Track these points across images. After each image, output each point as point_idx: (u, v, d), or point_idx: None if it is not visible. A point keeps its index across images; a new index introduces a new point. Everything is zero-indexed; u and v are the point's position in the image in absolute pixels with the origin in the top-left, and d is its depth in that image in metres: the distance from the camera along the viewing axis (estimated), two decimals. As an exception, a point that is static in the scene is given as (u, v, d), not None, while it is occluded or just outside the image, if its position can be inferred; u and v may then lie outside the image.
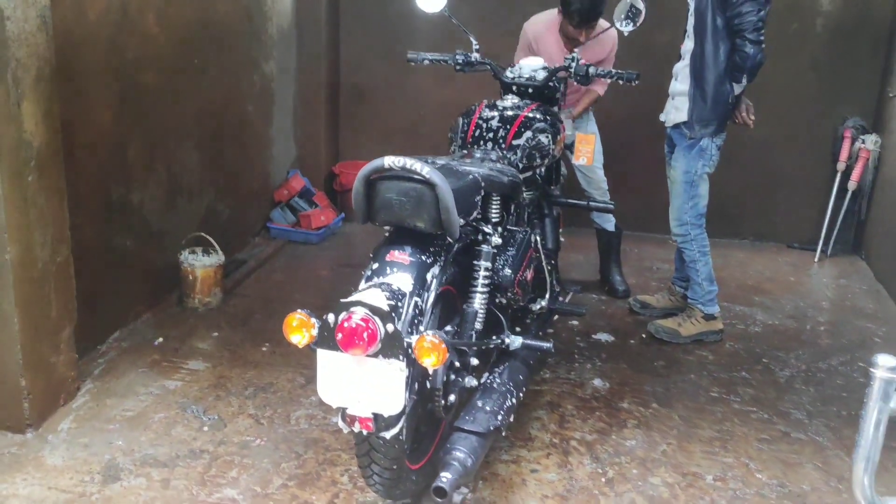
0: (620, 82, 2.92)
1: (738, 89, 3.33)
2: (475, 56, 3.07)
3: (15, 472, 2.43)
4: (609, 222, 4.06)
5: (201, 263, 3.63)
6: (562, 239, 3.55)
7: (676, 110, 3.43)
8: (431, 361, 1.78)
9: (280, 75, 4.74)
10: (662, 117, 3.54)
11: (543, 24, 3.80)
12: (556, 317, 3.20)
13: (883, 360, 1.37)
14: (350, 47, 5.19)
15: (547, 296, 2.92)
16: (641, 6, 2.82)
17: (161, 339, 3.35)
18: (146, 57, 3.34)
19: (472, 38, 3.10)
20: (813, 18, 4.71)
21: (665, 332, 3.53)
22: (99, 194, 3.15)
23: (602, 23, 3.57)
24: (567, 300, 3.21)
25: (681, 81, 3.40)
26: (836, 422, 2.92)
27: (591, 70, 2.92)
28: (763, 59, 3.22)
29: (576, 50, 3.07)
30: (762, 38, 3.21)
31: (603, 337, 3.58)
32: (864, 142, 4.62)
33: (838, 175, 4.71)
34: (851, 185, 4.67)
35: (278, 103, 4.75)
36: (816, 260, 4.78)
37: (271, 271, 4.28)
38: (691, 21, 3.33)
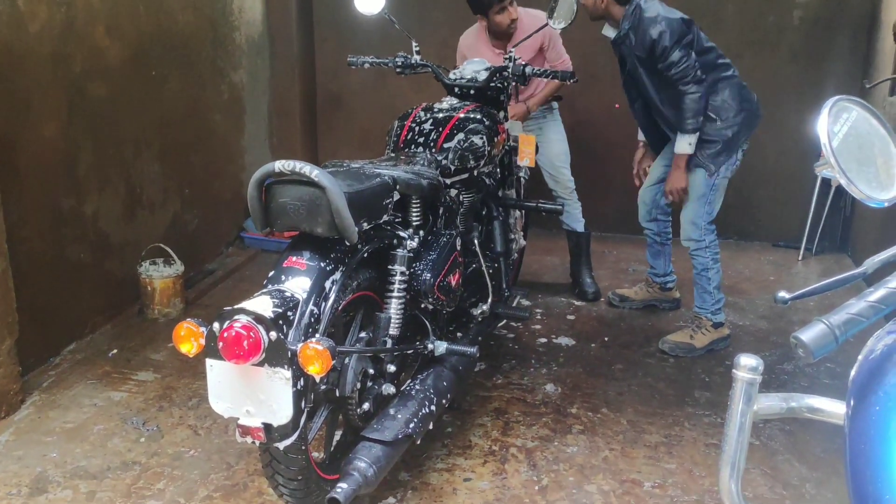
0: (558, 80, 2.86)
1: (686, 145, 3.16)
2: (415, 59, 3.04)
3: (-55, 485, 2.43)
4: (578, 222, 3.99)
5: (160, 274, 3.63)
6: (522, 241, 3.50)
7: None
8: (315, 369, 1.74)
9: (252, 84, 4.74)
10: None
11: (472, 33, 3.79)
12: (502, 321, 3.14)
13: (745, 360, 1.30)
14: (325, 54, 5.18)
15: (489, 300, 2.86)
16: (575, 7, 2.78)
17: (115, 351, 3.35)
18: (96, 69, 3.35)
19: (413, 41, 3.06)
20: (790, 10, 4.60)
21: (680, 348, 3.36)
22: (47, 207, 3.16)
23: (529, 11, 3.56)
24: (514, 304, 3.14)
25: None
26: (791, 425, 2.82)
27: (528, 70, 2.87)
28: (701, 94, 3.08)
29: (511, 49, 3.01)
30: (702, 76, 3.08)
31: (563, 341, 3.51)
32: (845, 135, 4.49)
33: (821, 170, 4.58)
34: (835, 180, 4.52)
35: (250, 112, 4.75)
36: (800, 258, 4.66)
37: (239, 280, 4.28)
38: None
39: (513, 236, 3.28)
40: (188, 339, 1.81)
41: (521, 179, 3.42)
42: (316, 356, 1.73)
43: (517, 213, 3.38)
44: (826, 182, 4.58)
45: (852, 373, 1.09)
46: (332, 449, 2.29)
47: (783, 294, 1.27)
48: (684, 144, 3.14)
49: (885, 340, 1.02)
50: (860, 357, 1.09)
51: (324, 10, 5.10)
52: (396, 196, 2.21)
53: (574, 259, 4.10)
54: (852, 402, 1.04)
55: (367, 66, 3.10)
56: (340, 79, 5.20)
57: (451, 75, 3.02)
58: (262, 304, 1.81)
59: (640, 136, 3.60)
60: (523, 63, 2.90)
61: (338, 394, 2.10)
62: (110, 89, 3.45)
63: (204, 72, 4.22)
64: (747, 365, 1.30)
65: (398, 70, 3.06)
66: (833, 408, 1.28)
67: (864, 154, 1.13)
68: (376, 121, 5.18)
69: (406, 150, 2.69)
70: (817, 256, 4.69)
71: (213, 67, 4.32)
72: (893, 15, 4.07)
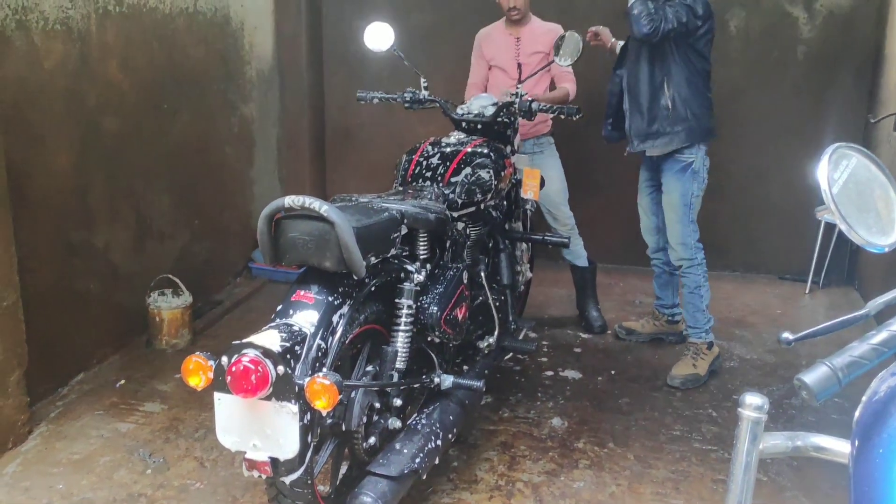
0: (563, 116, 2.90)
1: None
2: (423, 94, 3.09)
3: (-49, 517, 2.44)
4: (580, 258, 4.00)
5: (168, 305, 3.65)
6: (528, 274, 3.52)
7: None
8: (322, 404, 1.75)
9: (261, 117, 4.80)
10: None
11: (490, 27, 3.95)
12: (508, 354, 3.14)
13: (750, 399, 1.30)
14: (334, 88, 5.25)
15: (496, 332, 2.87)
16: (581, 45, 2.83)
17: (123, 381, 3.37)
18: (109, 103, 3.41)
19: (421, 77, 3.11)
20: (794, 46, 4.65)
21: (689, 380, 3.37)
22: (57, 239, 3.20)
23: (546, 25, 3.74)
24: (521, 336, 3.15)
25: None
26: (799, 461, 2.80)
27: (535, 105, 2.91)
28: (643, 28, 3.03)
29: (518, 86, 3.05)
30: (658, 22, 3.03)
31: (570, 374, 3.51)
32: (851, 169, 4.51)
33: (827, 204, 4.60)
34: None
35: (260, 144, 4.81)
36: (807, 291, 4.66)
37: (247, 311, 4.29)
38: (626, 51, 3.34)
39: (519, 268, 3.30)
40: (197, 372, 1.83)
41: (528, 212, 3.45)
42: (323, 391, 1.74)
43: (524, 245, 3.41)
44: (832, 215, 4.58)
45: (856, 414, 1.10)
46: (338, 482, 2.28)
47: (787, 335, 1.28)
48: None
49: (889, 382, 1.03)
50: (864, 398, 1.09)
51: (333, 46, 5.18)
52: (404, 230, 2.23)
53: (580, 292, 4.11)
54: (857, 443, 1.05)
55: (376, 101, 3.15)
56: (349, 112, 5.26)
57: (459, 110, 3.07)
58: (270, 339, 1.83)
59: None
60: (529, 99, 2.94)
61: (344, 428, 2.10)
62: (122, 123, 3.51)
63: (214, 105, 4.28)
64: (752, 404, 1.30)
65: (406, 105, 3.11)
66: (838, 447, 1.28)
67: (863, 200, 1.15)
68: (385, 153, 5.22)
69: (414, 183, 2.73)
70: (824, 289, 4.68)
71: (224, 101, 4.38)
72: (897, 50, 4.12)
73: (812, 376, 0.99)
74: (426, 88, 3.09)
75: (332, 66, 5.23)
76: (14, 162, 2.80)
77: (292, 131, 5.07)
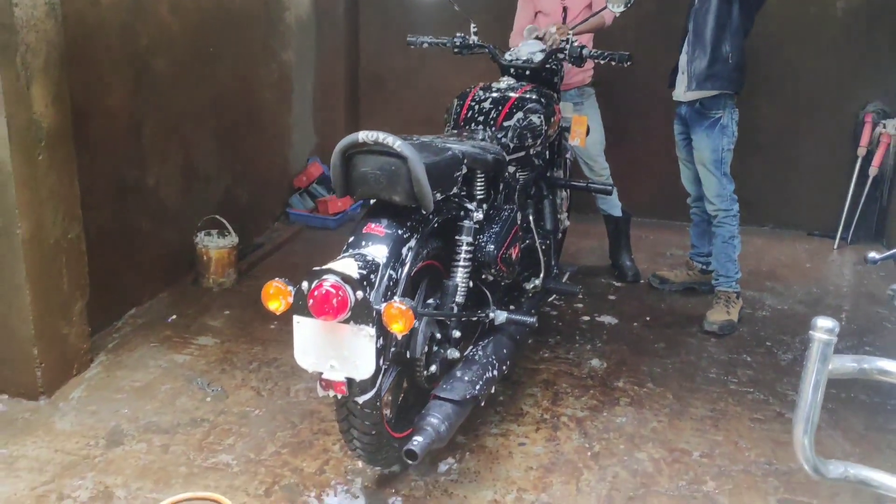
0: (613, 63, 2.94)
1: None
2: (473, 39, 3.13)
3: (26, 435, 2.57)
4: (615, 207, 4.07)
5: (216, 245, 3.75)
6: (567, 222, 3.59)
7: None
8: (398, 327, 1.84)
9: (299, 64, 4.84)
10: (675, 95, 3.55)
11: None
12: (552, 296, 3.23)
13: (822, 322, 1.39)
14: (369, 37, 5.28)
15: (541, 275, 2.96)
16: None
17: (175, 317, 3.48)
18: (160, 43, 3.47)
19: (471, 22, 3.15)
20: (833, 2, 4.64)
21: (725, 326, 3.47)
22: (114, 177, 3.28)
23: None
24: (564, 279, 3.24)
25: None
26: (833, 403, 2.90)
27: (585, 52, 2.95)
28: None
29: (570, 33, 3.08)
30: None
31: (606, 319, 3.61)
32: (885, 126, 4.55)
33: (859, 161, 4.64)
34: (872, 170, 4.59)
35: (297, 91, 4.86)
36: (836, 247, 4.72)
37: (287, 254, 4.40)
38: None
39: (560, 216, 3.37)
40: (277, 297, 1.92)
41: (568, 161, 3.51)
42: (400, 315, 1.83)
43: (563, 193, 3.47)
44: (863, 172, 4.63)
45: None
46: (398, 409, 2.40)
47: (873, 255, 1.36)
48: None
49: None
50: None
51: (369, -7, 5.19)
52: (464, 170, 2.31)
53: (613, 242, 4.18)
54: None
55: (425, 45, 3.19)
56: (383, 61, 5.29)
57: (507, 56, 3.11)
58: (349, 266, 1.92)
59: None
60: (580, 45, 2.98)
61: (408, 355, 2.20)
62: (172, 64, 3.57)
63: (257, 50, 4.33)
64: (824, 326, 1.39)
65: (456, 50, 3.15)
66: (903, 371, 1.37)
67: None
68: (416, 103, 5.28)
69: (466, 127, 2.78)
70: (852, 245, 4.74)
71: (265, 46, 4.42)
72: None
73: None
74: (476, 34, 3.13)
75: (367, 14, 5.25)
76: (75, 100, 2.87)
77: (328, 79, 5.12)
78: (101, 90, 3.15)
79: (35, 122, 2.56)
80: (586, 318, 3.62)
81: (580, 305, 3.75)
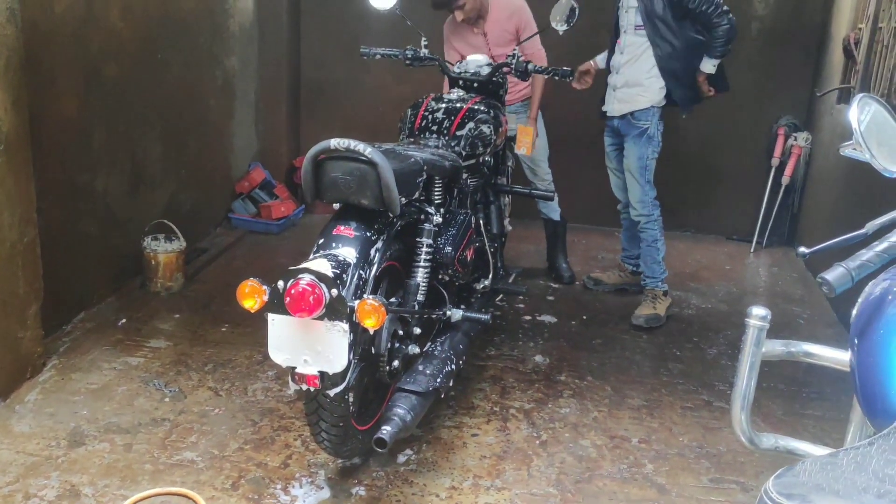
0: (556, 78, 3.14)
1: (710, 66, 3.64)
2: (424, 52, 3.28)
3: (-16, 438, 2.57)
4: (555, 212, 4.29)
5: (164, 249, 3.78)
6: (509, 227, 3.77)
7: (621, 102, 3.69)
8: (371, 322, 1.97)
9: (242, 71, 4.90)
10: (605, 108, 3.78)
11: (453, 19, 3.92)
12: (499, 296, 3.41)
13: (756, 310, 1.59)
14: (310, 44, 5.37)
15: (490, 276, 3.13)
16: (576, 7, 3.05)
17: (124, 320, 3.50)
18: (110, 50, 3.49)
19: (421, 35, 3.30)
20: (748, 22, 4.99)
21: (651, 319, 3.73)
22: (64, 181, 3.29)
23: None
24: (510, 280, 3.42)
25: (623, 75, 3.65)
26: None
27: (530, 66, 3.14)
28: (733, 25, 3.53)
29: (479, 31, 3.20)
30: (727, 8, 3.51)
31: (546, 318, 3.81)
32: (796, 139, 4.92)
33: (772, 170, 5.01)
34: (785, 179, 4.96)
35: (240, 98, 4.91)
36: (752, 251, 5.07)
37: (232, 259, 4.44)
38: (632, 19, 3.57)
39: (506, 219, 3.55)
40: (252, 295, 2.02)
41: (510, 168, 3.70)
42: (373, 311, 1.96)
43: (507, 199, 3.66)
44: (777, 181, 5.00)
45: (853, 316, 1.38)
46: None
47: (803, 249, 1.57)
48: (709, 66, 3.64)
49: (881, 284, 1.32)
50: (859, 302, 1.38)
51: (311, 3, 5.28)
52: (425, 175, 2.45)
53: (551, 245, 4.40)
54: (856, 340, 1.33)
55: (378, 56, 3.32)
56: (325, 68, 5.39)
57: (456, 68, 3.27)
58: (323, 265, 2.04)
59: (600, 62, 3.91)
60: (525, 61, 3.17)
61: (373, 351, 2.33)
62: (121, 70, 3.59)
63: (202, 57, 4.37)
64: (758, 314, 1.59)
65: (407, 62, 3.30)
66: (824, 353, 1.59)
67: (881, 137, 1.42)
68: (358, 110, 5.40)
69: (421, 135, 2.93)
70: (767, 249, 5.10)
71: (210, 54, 4.47)
72: (842, 31, 4.50)
73: (832, 274, 1.27)
74: (426, 47, 3.29)
75: (308, 22, 5.34)
76: (29, 104, 2.88)
77: (270, 85, 5.18)
78: (54, 96, 3.16)
79: (-5, 127, 2.58)
80: (528, 317, 3.81)
81: (521, 305, 3.94)
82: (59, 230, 3.27)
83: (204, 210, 4.61)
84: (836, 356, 1.55)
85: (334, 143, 2.16)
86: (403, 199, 2.27)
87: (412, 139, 2.92)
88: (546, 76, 3.18)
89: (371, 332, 2.04)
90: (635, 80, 3.62)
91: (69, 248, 3.36)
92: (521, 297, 3.96)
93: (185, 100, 4.23)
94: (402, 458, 2.59)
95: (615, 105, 3.73)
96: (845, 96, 4.50)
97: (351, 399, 2.25)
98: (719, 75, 3.71)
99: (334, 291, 1.97)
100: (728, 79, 3.81)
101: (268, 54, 5.12)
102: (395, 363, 2.41)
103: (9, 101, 2.63)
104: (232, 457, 2.55)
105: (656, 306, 3.78)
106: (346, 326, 1.99)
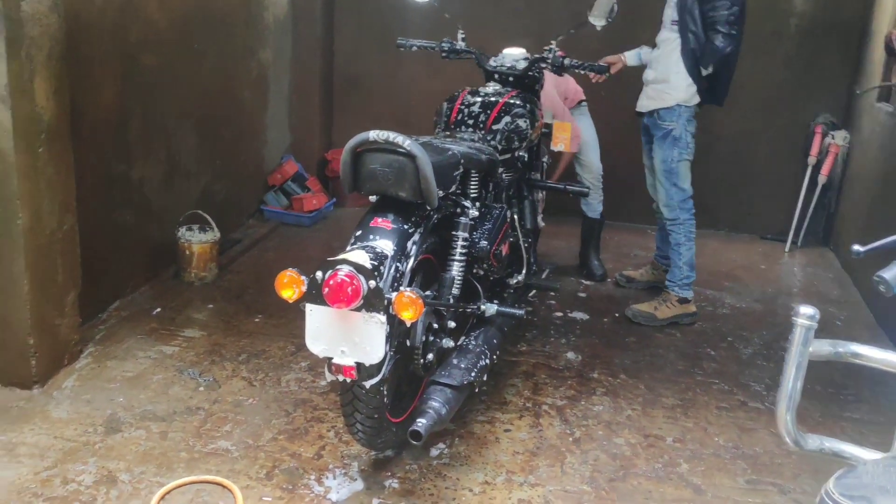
0: (591, 74, 3.11)
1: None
2: (460, 44, 3.26)
3: (23, 423, 2.61)
4: (595, 211, 4.26)
5: (198, 239, 3.81)
6: (542, 223, 3.75)
7: (649, 98, 3.64)
8: (409, 315, 1.96)
9: (276, 63, 4.91)
10: (638, 106, 3.74)
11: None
12: (532, 291, 3.39)
13: (804, 309, 1.56)
14: (344, 38, 5.37)
15: (524, 271, 3.11)
16: (616, 6, 3.02)
17: (159, 309, 3.53)
18: (148, 40, 3.52)
19: (458, 28, 3.29)
20: (787, 19, 4.92)
21: (642, 316, 3.69)
22: (102, 170, 3.32)
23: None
24: (543, 276, 3.40)
25: (654, 69, 3.61)
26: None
27: (567, 61, 3.11)
28: (731, 51, 3.41)
29: (552, 44, 3.22)
30: (734, 31, 3.41)
31: (578, 315, 3.78)
32: (833, 137, 4.83)
33: (809, 169, 4.92)
34: (821, 178, 4.87)
35: (273, 90, 4.93)
36: (787, 250, 4.99)
37: (264, 250, 4.46)
38: (671, 14, 3.52)
39: (538, 216, 3.53)
40: (290, 286, 2.03)
41: (544, 164, 3.67)
42: (410, 303, 1.96)
43: (540, 194, 3.63)
44: (813, 180, 4.92)
45: None
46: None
47: (857, 247, 1.53)
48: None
49: None
50: None
51: (346, -5, 5.29)
52: (462, 169, 2.44)
53: (584, 243, 4.37)
54: None
55: (415, 48, 3.31)
56: (358, 62, 5.39)
57: (492, 62, 3.25)
58: (361, 257, 2.04)
59: (629, 58, 3.84)
60: (562, 56, 3.14)
61: (408, 344, 2.32)
62: (159, 61, 3.62)
63: (237, 49, 4.39)
64: (806, 313, 1.57)
65: (443, 55, 3.28)
66: (876, 355, 1.55)
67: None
68: (390, 104, 5.39)
69: (456, 129, 2.92)
70: (802, 249, 5.02)
71: (244, 45, 4.49)
72: (884, 26, 4.40)
73: (890, 273, 1.24)
74: (463, 40, 3.27)
75: (342, 15, 5.34)
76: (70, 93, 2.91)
77: (303, 78, 5.20)
78: (93, 86, 3.19)
79: (37, 115, 2.61)
80: (559, 314, 3.79)
81: (553, 302, 3.91)
82: (95, 219, 3.30)
83: (237, 201, 4.64)
84: (888, 358, 1.52)
85: (373, 134, 2.15)
86: (441, 192, 2.27)
87: (448, 132, 2.91)
88: (581, 73, 3.15)
89: (407, 324, 2.03)
90: (664, 75, 3.57)
91: (105, 237, 3.39)
92: (552, 294, 3.94)
93: (220, 91, 4.26)
94: (434, 452, 2.58)
95: (644, 101, 3.68)
96: (886, 94, 4.41)
97: (385, 391, 2.25)
98: (721, 86, 3.64)
99: (372, 283, 1.97)
100: (727, 95, 3.73)
101: (301, 47, 5.14)
102: (430, 356, 2.40)
103: (50, 90, 2.66)
104: (266, 447, 2.56)
105: (659, 308, 3.71)
106: (383, 318, 1.99)
